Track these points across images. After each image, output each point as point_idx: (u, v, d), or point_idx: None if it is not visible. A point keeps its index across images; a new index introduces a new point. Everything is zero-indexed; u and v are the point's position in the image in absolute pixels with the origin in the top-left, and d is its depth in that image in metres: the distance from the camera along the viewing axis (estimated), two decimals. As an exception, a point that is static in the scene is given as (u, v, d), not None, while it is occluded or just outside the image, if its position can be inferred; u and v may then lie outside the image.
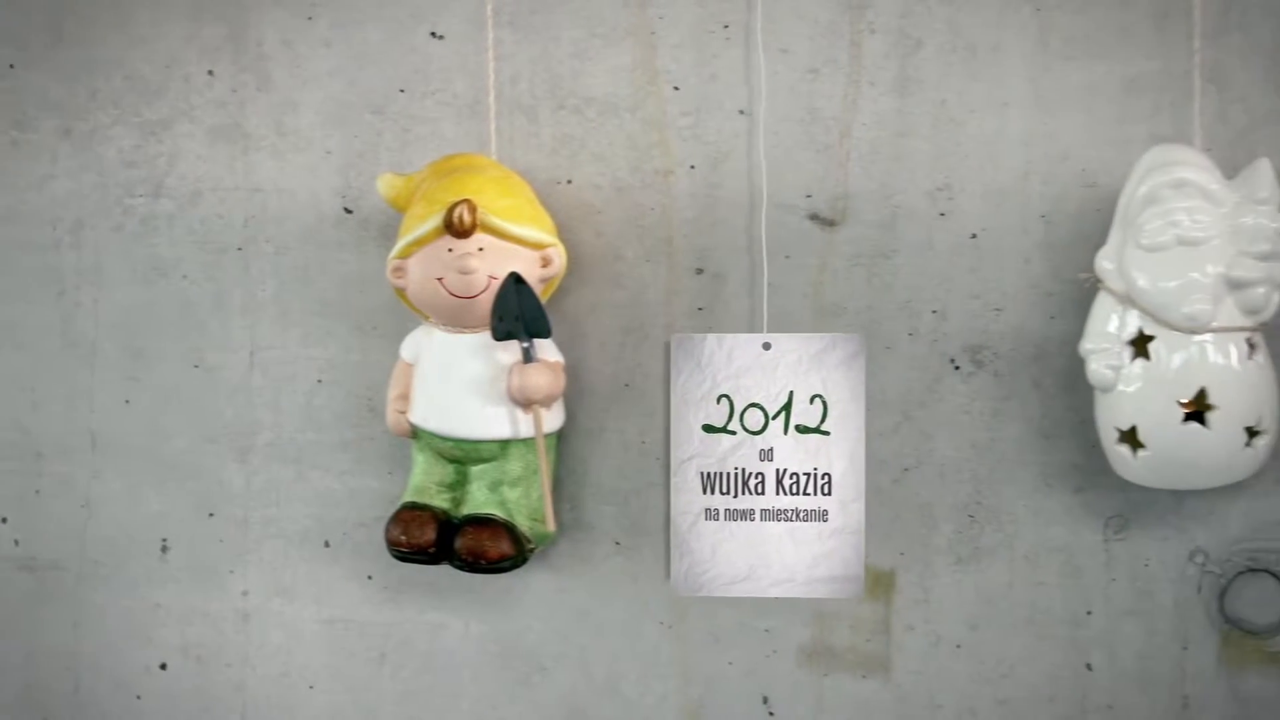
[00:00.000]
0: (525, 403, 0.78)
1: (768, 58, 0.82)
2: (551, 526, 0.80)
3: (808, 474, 0.77)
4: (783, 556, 0.77)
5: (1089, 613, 0.80)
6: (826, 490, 0.77)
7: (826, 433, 0.77)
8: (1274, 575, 0.77)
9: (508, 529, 0.80)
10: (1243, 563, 0.77)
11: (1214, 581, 0.78)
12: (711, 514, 0.78)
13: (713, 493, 0.78)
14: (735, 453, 0.78)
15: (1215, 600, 0.78)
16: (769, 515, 0.78)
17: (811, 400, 0.77)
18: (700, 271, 0.83)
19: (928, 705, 0.82)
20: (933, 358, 0.81)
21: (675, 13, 0.83)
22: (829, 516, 0.77)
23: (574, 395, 0.84)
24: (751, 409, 0.78)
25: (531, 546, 0.81)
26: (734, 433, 0.78)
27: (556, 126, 0.84)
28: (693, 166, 0.83)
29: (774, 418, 0.77)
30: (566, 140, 0.84)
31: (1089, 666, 0.80)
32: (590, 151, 0.84)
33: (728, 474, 0.78)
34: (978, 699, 0.81)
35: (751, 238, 0.82)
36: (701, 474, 0.78)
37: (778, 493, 0.77)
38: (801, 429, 0.77)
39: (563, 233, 0.83)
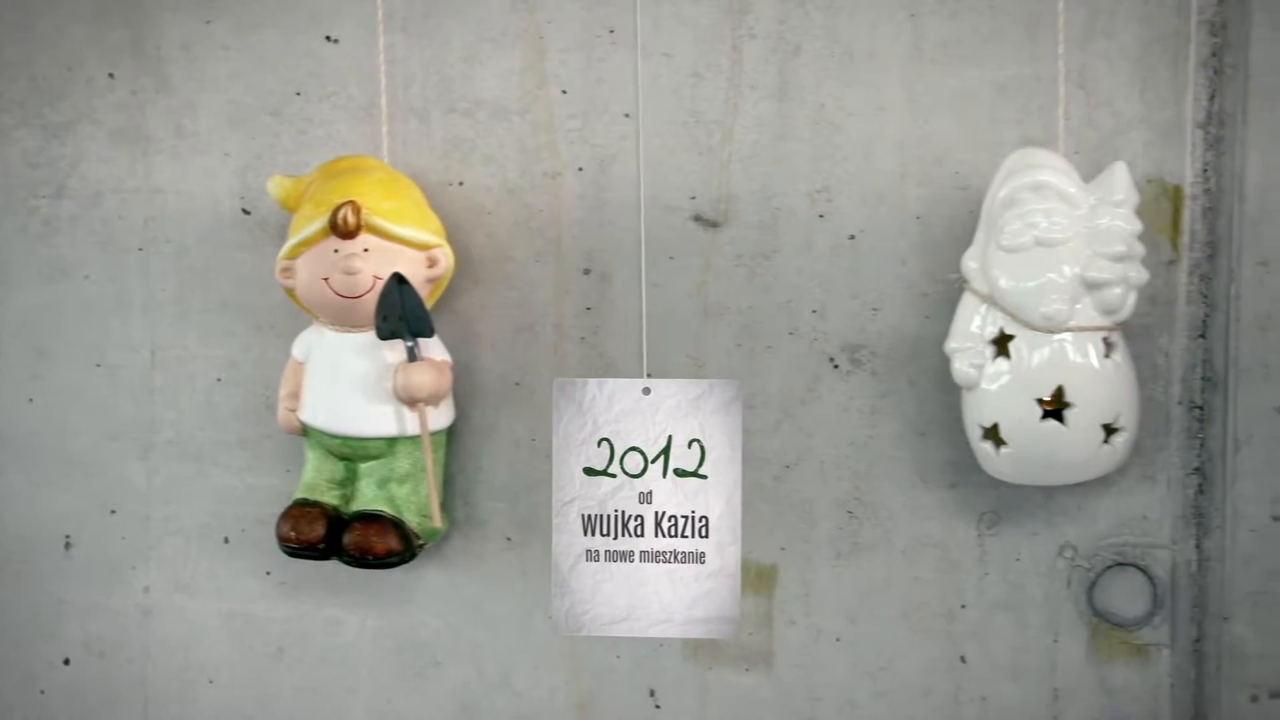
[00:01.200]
0: (410, 401, 0.80)
1: (652, 62, 0.83)
2: (438, 523, 0.81)
3: (686, 517, 0.78)
4: (661, 597, 0.78)
5: (963, 606, 0.81)
6: (704, 533, 0.78)
7: (704, 476, 0.78)
8: (1140, 569, 0.79)
9: (395, 525, 0.81)
10: (1110, 557, 0.79)
11: (1083, 575, 0.79)
12: (592, 555, 0.79)
13: (593, 534, 0.79)
14: (615, 495, 0.79)
15: (1084, 594, 0.79)
16: (648, 557, 0.79)
17: (689, 444, 0.78)
18: (588, 272, 0.85)
19: (808, 698, 0.84)
20: (812, 357, 0.82)
21: (562, 18, 0.84)
22: (706, 559, 0.78)
23: (466, 393, 0.86)
24: (631, 452, 0.79)
25: (421, 542, 0.83)
26: (614, 475, 0.79)
27: (448, 129, 0.86)
28: (580, 169, 0.84)
29: (653, 461, 0.79)
30: (458, 143, 0.86)
31: (963, 659, 0.81)
32: (481, 154, 0.85)
33: (608, 516, 0.79)
34: (857, 691, 0.83)
35: (637, 239, 0.83)
36: (583, 516, 0.79)
37: (656, 535, 0.79)
38: (680, 472, 0.78)
39: (454, 234, 0.84)
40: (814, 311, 0.82)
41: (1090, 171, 0.75)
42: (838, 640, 0.83)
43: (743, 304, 0.83)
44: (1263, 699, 0.78)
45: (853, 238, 0.81)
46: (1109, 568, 0.79)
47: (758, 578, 0.84)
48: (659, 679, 0.85)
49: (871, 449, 0.82)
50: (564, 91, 0.84)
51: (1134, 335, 0.76)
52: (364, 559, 0.81)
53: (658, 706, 0.86)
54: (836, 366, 0.82)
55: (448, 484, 0.86)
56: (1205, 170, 0.76)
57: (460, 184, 0.86)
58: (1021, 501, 0.80)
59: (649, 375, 0.84)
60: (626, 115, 0.84)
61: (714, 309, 0.83)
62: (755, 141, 0.82)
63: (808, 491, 0.83)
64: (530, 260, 0.85)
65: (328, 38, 0.87)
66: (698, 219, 0.83)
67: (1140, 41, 0.77)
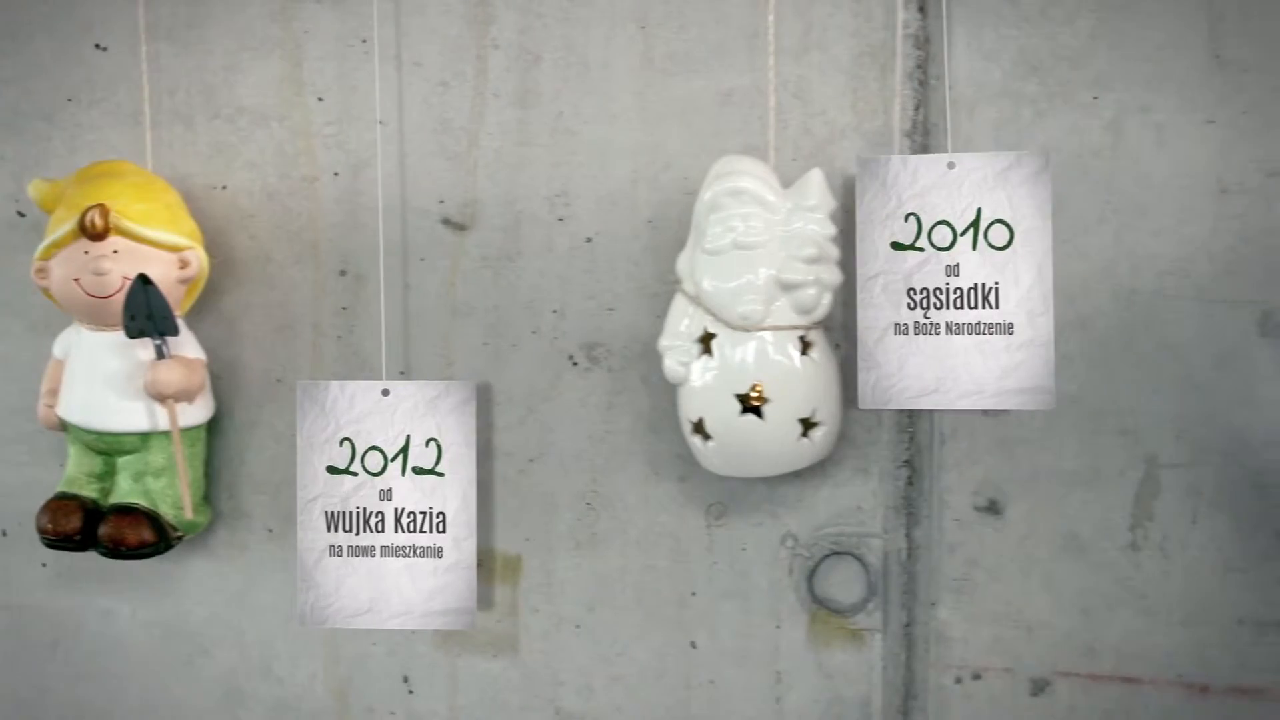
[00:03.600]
0: (159, 397, 0.82)
1: (403, 71, 0.86)
2: (190, 515, 0.84)
3: (424, 513, 0.82)
4: (401, 591, 0.82)
5: (693, 594, 0.85)
6: (441, 528, 0.81)
7: (441, 474, 0.81)
8: (855, 557, 0.82)
9: (149, 517, 0.84)
10: (828, 546, 0.83)
11: (803, 564, 0.83)
12: (335, 550, 0.82)
13: (336, 530, 0.82)
14: (357, 493, 0.82)
15: (804, 581, 0.83)
16: (388, 552, 0.82)
17: (427, 443, 0.81)
18: (344, 273, 0.88)
19: (551, 682, 0.87)
20: (553, 354, 0.86)
21: (318, 27, 0.87)
22: (443, 553, 0.81)
23: (230, 390, 0.88)
24: (372, 451, 0.82)
25: (178, 534, 0.85)
26: (356, 474, 0.82)
27: (212, 135, 0.89)
28: (336, 174, 0.87)
29: (392, 460, 0.82)
30: (221, 148, 0.89)
31: (693, 644, 0.85)
32: (243, 159, 0.88)
33: (350, 513, 0.82)
34: (595, 675, 0.86)
35: (389, 241, 0.86)
36: (326, 513, 0.82)
37: (396, 531, 0.82)
38: (418, 470, 0.81)
39: (218, 236, 0.87)
40: (554, 311, 0.85)
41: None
42: (578, 627, 0.86)
43: (489, 304, 0.86)
44: (965, 680, 0.81)
45: (589, 240, 0.85)
46: (827, 556, 0.83)
47: (504, 567, 0.87)
48: (412, 666, 0.89)
49: (608, 443, 0.85)
50: (320, 99, 0.87)
51: (848, 335, 0.79)
52: (118, 550, 0.83)
53: (411, 692, 0.89)
54: (576, 364, 0.85)
55: (212, 477, 0.89)
56: (912, 177, 0.80)
57: (223, 188, 0.89)
58: (746, 493, 0.83)
59: (401, 373, 0.87)
60: (380, 122, 0.87)
61: (462, 309, 0.86)
62: (499, 148, 0.85)
63: (550, 484, 0.86)
64: (290, 261, 0.88)
65: (97, 45, 0.90)
66: (446, 222, 0.86)
67: (851, 54, 0.81)
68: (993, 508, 0.80)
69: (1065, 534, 0.79)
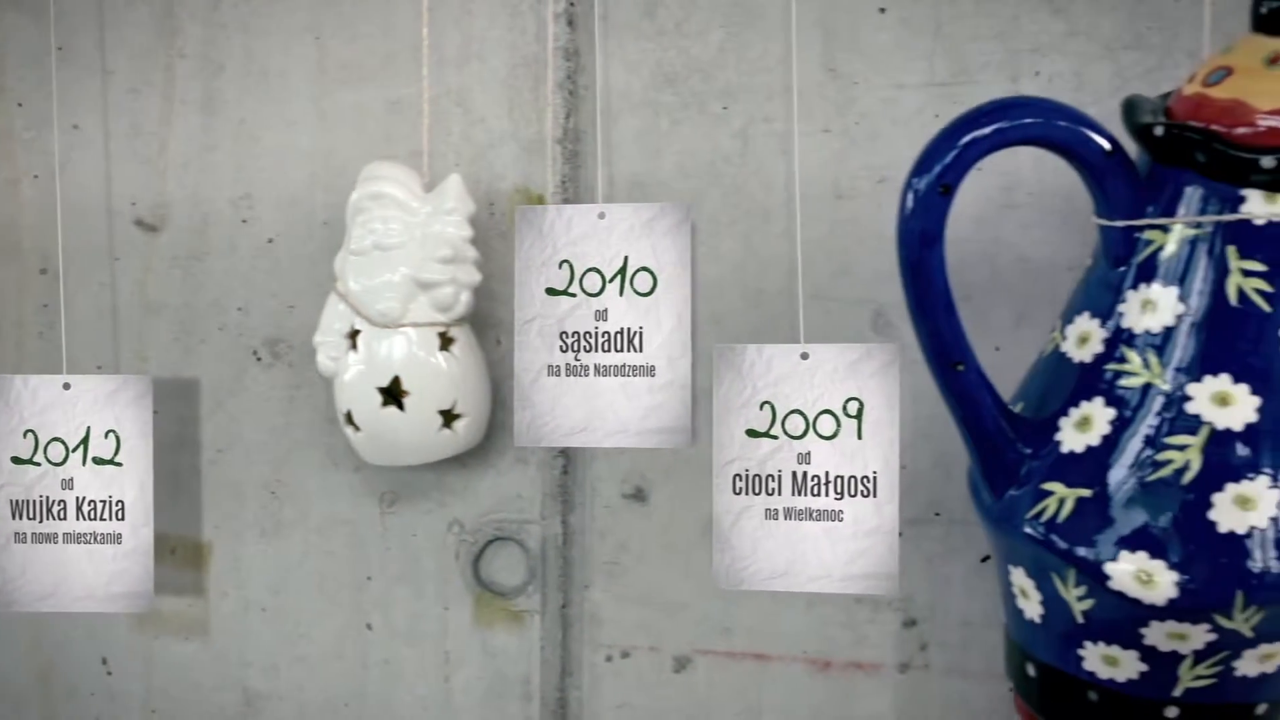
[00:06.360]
0: None
1: (97, 78, 0.90)
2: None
3: (104, 501, 0.85)
4: (83, 575, 0.85)
5: (369, 578, 0.89)
6: (120, 515, 0.85)
7: (120, 464, 0.85)
8: (517, 542, 0.87)
9: None
10: (491, 532, 0.87)
11: (469, 549, 0.87)
12: (20, 537, 0.86)
13: (21, 518, 0.85)
14: (40, 482, 0.85)
15: (470, 566, 0.87)
16: (70, 538, 0.85)
17: (106, 435, 0.85)
18: (44, 272, 0.91)
19: (239, 663, 0.91)
20: (238, 350, 0.90)
21: (19, 36, 0.91)
22: (123, 539, 0.85)
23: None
24: (54, 442, 0.86)
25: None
26: (39, 464, 0.85)
27: (-81, 138, 0.92)
28: (36, 176, 0.91)
29: (74, 450, 0.85)
30: (-72, 151, 0.92)
31: (369, 626, 0.89)
32: (-51, 161, 0.92)
33: (34, 501, 0.85)
34: (280, 656, 0.91)
35: (85, 241, 0.90)
36: (11, 501, 0.85)
37: (78, 518, 0.85)
38: (98, 460, 0.85)
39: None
40: (239, 309, 0.89)
41: (468, 183, 0.83)
42: (263, 610, 0.91)
43: (179, 301, 0.90)
44: (615, 658, 0.86)
45: (271, 241, 0.89)
46: (490, 542, 0.87)
47: (194, 553, 0.91)
48: (111, 648, 0.93)
49: (290, 435, 0.89)
50: (20, 104, 0.91)
51: (500, 330, 0.84)
52: None
53: (110, 674, 0.93)
54: (260, 359, 0.89)
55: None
56: (564, 181, 0.84)
57: (-74, 190, 0.92)
58: (416, 482, 0.88)
59: (99, 367, 0.91)
60: (75, 127, 0.90)
61: (154, 306, 0.90)
62: (186, 152, 0.89)
63: (237, 474, 0.90)
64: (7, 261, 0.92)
65: None
66: (139, 223, 0.90)
67: (508, 65, 0.85)
68: (639, 495, 0.85)
69: (703, 521, 0.83)
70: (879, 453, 0.76)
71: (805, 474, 0.77)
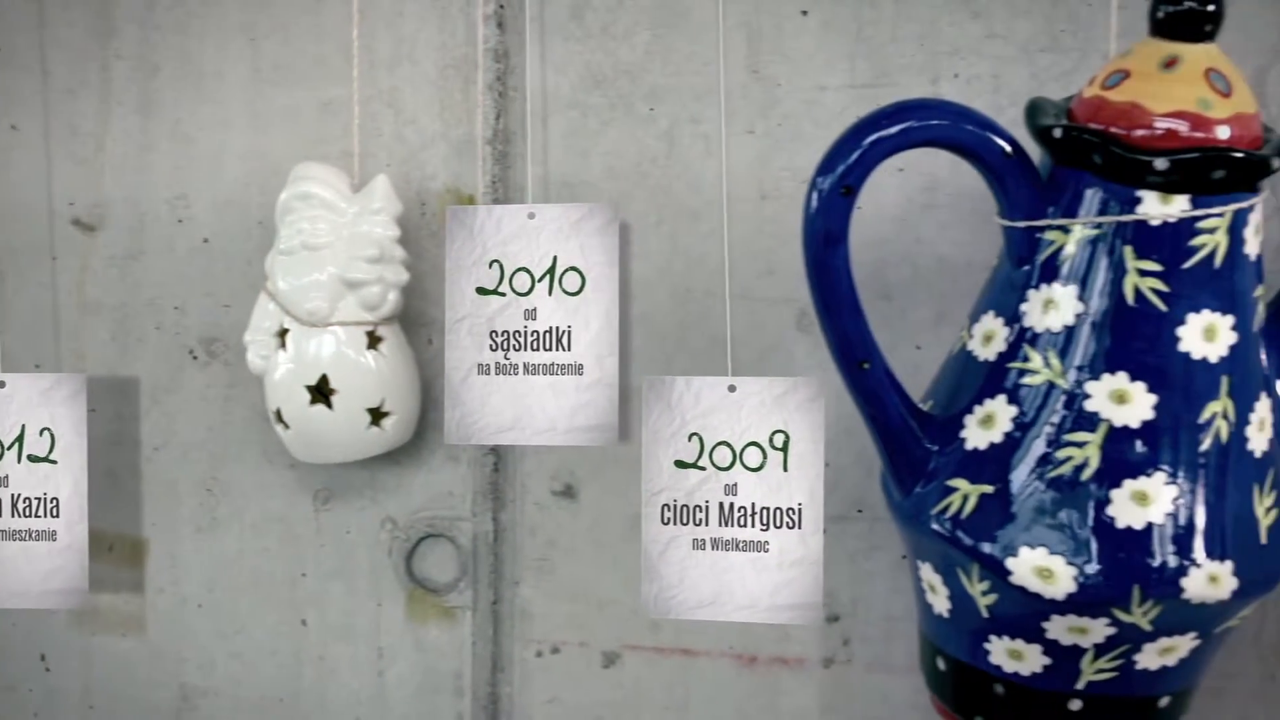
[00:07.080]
0: None
1: (32, 78, 0.91)
2: None
3: (38, 498, 0.86)
4: (19, 572, 0.86)
5: (304, 575, 0.90)
6: (55, 512, 0.86)
7: (55, 461, 0.86)
8: (449, 539, 0.87)
9: None
10: (424, 529, 0.88)
11: (401, 546, 0.88)
12: None
13: None
14: None
15: (403, 562, 0.88)
16: (5, 535, 0.86)
17: (41, 433, 0.86)
18: (-18, 272, 0.92)
19: (176, 659, 0.92)
20: (175, 349, 0.90)
21: (-44, 37, 0.91)
22: (57, 536, 0.86)
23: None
24: None
25: None
26: None
27: None
28: (-25, 176, 0.92)
29: (9, 448, 0.86)
30: None
31: (304, 622, 0.90)
32: (-111, 161, 0.93)
33: None
34: (216, 652, 0.91)
35: (25, 241, 0.91)
36: None
37: (13, 515, 0.86)
38: (33, 458, 0.86)
39: None
40: (176, 308, 0.90)
41: (399, 183, 0.84)
42: (200, 607, 0.91)
43: (116, 301, 0.91)
44: (545, 654, 0.87)
45: (206, 241, 0.89)
46: (423, 539, 0.88)
47: (132, 550, 0.92)
48: (49, 645, 0.93)
49: (225, 433, 0.90)
50: (-41, 105, 0.92)
51: (432, 329, 0.85)
52: None
53: (48, 670, 0.93)
54: (196, 358, 0.90)
55: None
56: (494, 182, 0.85)
57: None
58: (350, 479, 0.89)
59: (37, 366, 0.91)
60: (13, 127, 0.91)
61: (91, 305, 0.91)
62: (123, 153, 0.90)
63: (173, 471, 0.91)
64: (-66, 260, 0.93)
65: None
66: (76, 223, 0.91)
67: (438, 67, 0.86)
68: (568, 492, 0.86)
69: (632, 518, 0.84)
70: (804, 485, 0.77)
71: (732, 505, 0.78)
